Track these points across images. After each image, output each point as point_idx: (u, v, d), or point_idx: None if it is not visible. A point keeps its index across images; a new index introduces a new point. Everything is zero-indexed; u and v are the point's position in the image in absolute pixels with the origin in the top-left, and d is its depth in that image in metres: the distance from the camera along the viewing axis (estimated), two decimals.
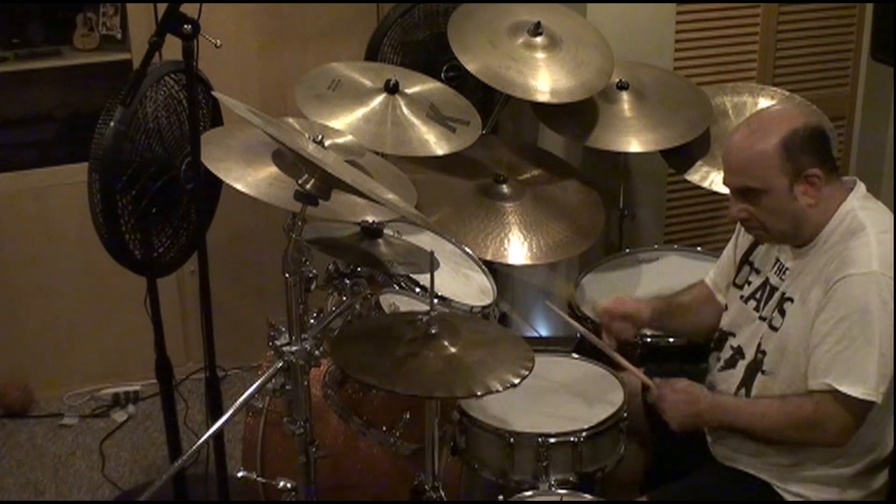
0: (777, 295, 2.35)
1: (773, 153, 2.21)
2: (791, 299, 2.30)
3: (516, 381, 2.16)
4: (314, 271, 2.25)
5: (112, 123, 2.66)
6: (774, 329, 2.33)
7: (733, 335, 2.47)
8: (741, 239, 2.55)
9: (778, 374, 2.32)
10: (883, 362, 2.16)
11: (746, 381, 2.39)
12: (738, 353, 2.43)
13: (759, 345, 2.36)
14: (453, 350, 2.20)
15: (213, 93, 2.69)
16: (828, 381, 2.18)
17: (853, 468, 2.31)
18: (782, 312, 2.31)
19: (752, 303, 2.42)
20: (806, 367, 2.25)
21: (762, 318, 2.38)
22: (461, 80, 3.41)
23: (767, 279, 2.40)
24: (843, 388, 2.16)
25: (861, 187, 2.31)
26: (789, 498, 2.34)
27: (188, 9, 2.42)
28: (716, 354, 2.52)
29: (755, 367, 2.37)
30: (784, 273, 2.35)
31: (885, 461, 2.33)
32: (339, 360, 2.34)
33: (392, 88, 3.00)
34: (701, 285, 2.67)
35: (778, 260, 2.38)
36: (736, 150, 2.27)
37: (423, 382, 2.14)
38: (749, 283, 2.46)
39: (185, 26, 2.40)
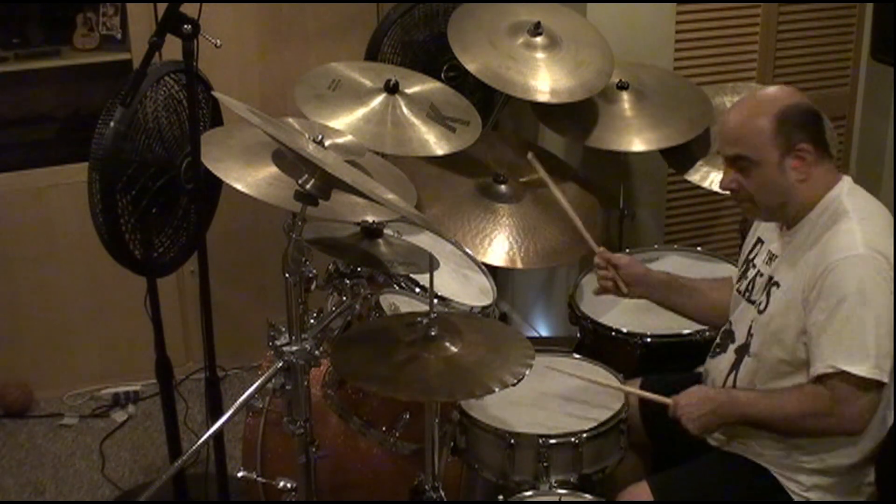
0: (764, 279, 2.40)
1: (767, 125, 2.27)
2: (777, 283, 2.35)
3: (517, 380, 2.16)
4: (314, 271, 2.25)
5: (112, 123, 2.66)
6: (761, 312, 2.37)
7: (728, 322, 2.52)
8: (746, 242, 2.59)
9: (762, 356, 2.35)
10: (881, 341, 2.18)
11: (736, 365, 2.42)
12: (729, 336, 2.47)
13: (749, 328, 2.41)
14: (454, 350, 2.20)
15: (213, 93, 2.69)
16: (832, 362, 2.19)
17: (844, 458, 2.31)
18: (768, 295, 2.36)
19: (747, 293, 2.47)
20: (789, 352, 2.29)
21: (751, 302, 2.43)
22: (461, 80, 3.41)
23: (759, 270, 2.45)
24: (850, 369, 2.17)
25: (848, 179, 2.35)
26: (787, 483, 2.35)
27: (188, 9, 2.43)
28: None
29: (743, 350, 2.41)
30: (773, 260, 2.40)
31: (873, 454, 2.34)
32: (340, 368, 2.34)
33: (392, 88, 3.00)
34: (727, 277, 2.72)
35: (769, 252, 2.44)
36: (732, 120, 2.34)
37: (424, 385, 2.14)
38: (745, 278, 2.50)
39: (185, 26, 2.40)
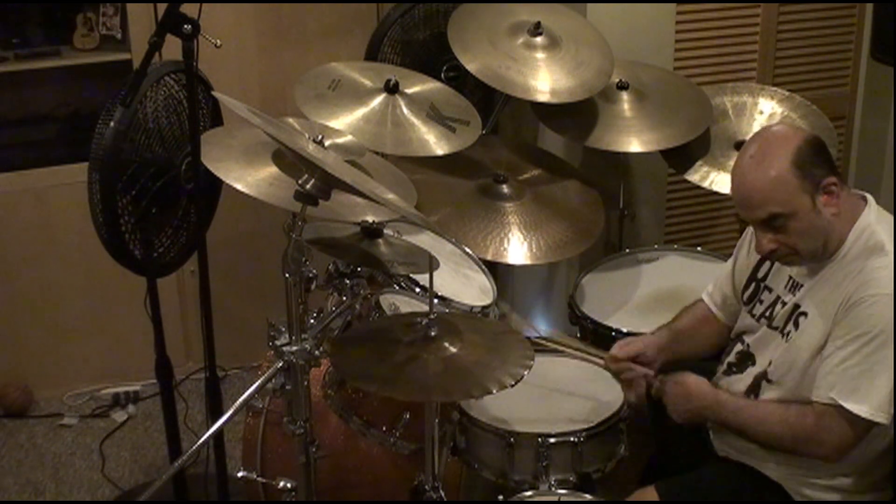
0: (789, 307, 2.34)
1: (788, 174, 2.19)
2: (805, 313, 2.30)
3: (515, 382, 2.16)
4: (314, 271, 2.25)
5: (112, 123, 2.66)
6: (786, 340, 2.33)
7: (741, 342, 2.46)
8: (747, 257, 2.53)
9: (784, 384, 2.32)
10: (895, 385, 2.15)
11: (754, 388, 2.38)
12: (749, 358, 2.43)
13: (769, 354, 2.36)
14: (454, 350, 2.20)
15: (213, 93, 2.70)
16: (832, 395, 2.18)
17: (859, 479, 2.31)
18: (796, 325, 2.31)
19: (764, 321, 2.41)
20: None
21: (773, 328, 2.37)
22: (461, 80, 3.41)
23: (779, 297, 2.39)
24: (848, 405, 2.16)
25: (873, 201, 2.30)
26: (797, 498, 2.34)
27: (188, 9, 2.43)
28: (722, 358, 2.52)
29: (762, 376, 2.37)
30: (798, 289, 2.34)
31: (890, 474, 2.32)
32: (339, 368, 2.34)
33: (392, 88, 3.00)
34: (699, 305, 2.65)
35: (791, 277, 2.37)
36: (750, 184, 2.24)
37: (423, 386, 2.14)
38: (760, 302, 2.44)
39: (185, 26, 2.41)
